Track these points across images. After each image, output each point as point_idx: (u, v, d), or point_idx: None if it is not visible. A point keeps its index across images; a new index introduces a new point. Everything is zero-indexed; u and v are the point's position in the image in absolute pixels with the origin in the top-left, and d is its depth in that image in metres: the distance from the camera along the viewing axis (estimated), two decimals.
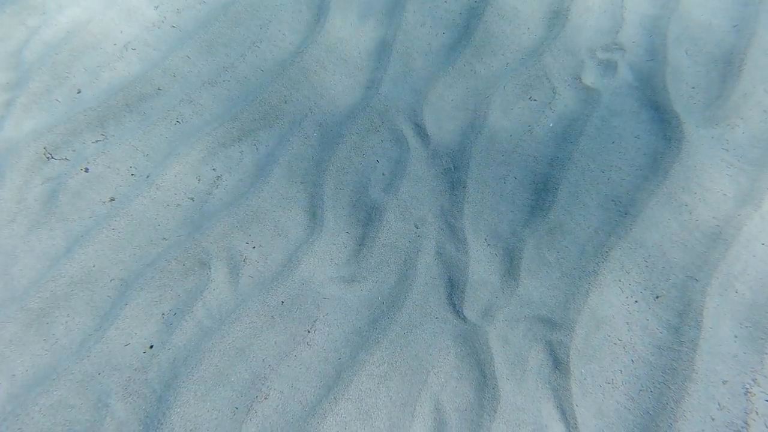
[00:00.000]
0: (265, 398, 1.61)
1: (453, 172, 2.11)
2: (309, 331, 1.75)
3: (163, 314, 1.71)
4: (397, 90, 2.29)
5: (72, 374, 1.58)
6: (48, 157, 1.95)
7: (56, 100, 2.11)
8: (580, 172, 2.14)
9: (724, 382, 1.73)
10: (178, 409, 1.55)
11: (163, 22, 2.36)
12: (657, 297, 1.87)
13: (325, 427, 1.58)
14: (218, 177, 2.01)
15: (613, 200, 2.09)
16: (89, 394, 1.57)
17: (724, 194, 2.12)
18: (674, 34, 2.56)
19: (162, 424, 1.53)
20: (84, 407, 1.55)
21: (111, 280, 1.75)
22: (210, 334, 1.67)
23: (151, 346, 1.65)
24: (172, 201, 1.92)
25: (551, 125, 2.27)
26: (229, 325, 1.69)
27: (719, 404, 1.70)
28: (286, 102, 2.21)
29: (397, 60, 2.37)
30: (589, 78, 2.42)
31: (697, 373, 1.73)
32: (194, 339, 1.67)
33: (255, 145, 2.11)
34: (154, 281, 1.74)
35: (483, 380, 1.71)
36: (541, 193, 2.09)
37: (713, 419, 1.66)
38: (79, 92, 2.14)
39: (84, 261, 1.75)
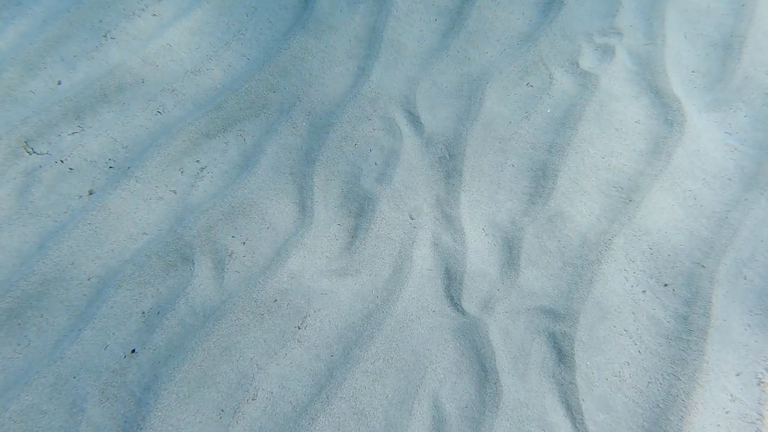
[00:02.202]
0: (253, 399, 1.51)
1: (448, 160, 2.03)
2: (299, 328, 1.65)
3: (143, 313, 1.61)
4: (388, 77, 2.20)
5: (45, 378, 1.48)
6: (30, 152, 1.85)
7: (31, 91, 2.01)
8: (579, 159, 2.06)
9: (738, 374, 1.64)
10: (159, 413, 1.45)
11: (143, 10, 2.26)
12: (665, 285, 1.78)
13: (317, 428, 1.48)
14: (202, 169, 1.91)
15: (614, 186, 2.01)
16: (63, 398, 1.47)
17: (729, 179, 2.05)
18: (672, 18, 2.49)
19: (142, 429, 1.43)
20: (58, 412, 1.45)
21: (88, 278, 1.65)
22: (193, 333, 1.57)
23: (133, 351, 1.54)
24: (153, 194, 1.82)
25: (549, 111, 2.19)
26: (213, 323, 1.59)
27: (731, 395, 1.62)
28: (273, 91, 2.12)
29: (388, 47, 2.29)
30: (587, 63, 2.34)
31: (707, 364, 1.65)
32: (176, 338, 1.57)
33: (241, 135, 2.01)
34: (134, 278, 1.64)
35: (484, 375, 1.62)
36: (540, 180, 2.00)
37: (727, 412, 1.58)
38: (59, 83, 2.04)
39: (58, 258, 1.64)
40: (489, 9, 2.45)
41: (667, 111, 2.19)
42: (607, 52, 2.37)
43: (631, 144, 2.12)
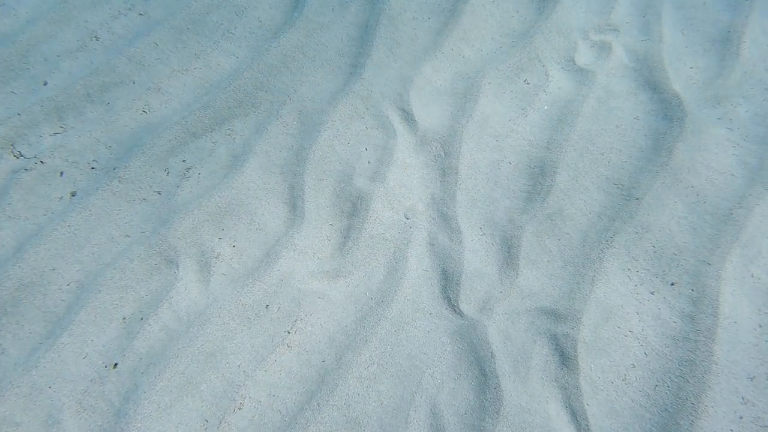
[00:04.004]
0: (239, 408, 1.43)
1: (444, 158, 1.97)
2: (289, 332, 1.57)
3: (124, 318, 1.53)
4: (381, 75, 2.15)
5: (19, 387, 1.40)
6: (17, 156, 1.78)
7: (12, 92, 1.94)
8: (578, 155, 2.00)
9: (752, 378, 1.57)
10: (139, 424, 1.36)
11: (129, 10, 2.21)
12: (672, 284, 1.71)
13: None
14: (188, 169, 1.84)
15: (615, 183, 1.95)
16: (38, 409, 1.38)
17: (732, 174, 1.99)
18: (668, 14, 2.46)
19: None
20: (32, 424, 1.36)
21: (67, 284, 1.57)
22: (176, 339, 1.49)
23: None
24: (137, 195, 1.75)
25: (546, 108, 2.14)
26: (198, 328, 1.51)
27: (743, 398, 1.54)
28: (263, 89, 2.06)
29: (381, 45, 2.24)
30: (583, 59, 2.30)
31: (717, 365, 1.58)
32: (158, 344, 1.49)
33: (229, 134, 1.95)
34: (114, 282, 1.56)
35: (483, 380, 1.54)
36: (539, 177, 1.94)
37: (741, 417, 1.50)
38: (45, 84, 1.98)
39: (35, 262, 1.57)
40: (483, 7, 2.41)
41: (666, 107, 2.14)
42: (603, 48, 2.33)
43: (630, 140, 2.06)
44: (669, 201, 1.92)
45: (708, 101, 2.20)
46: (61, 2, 2.17)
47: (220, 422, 1.41)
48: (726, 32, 2.40)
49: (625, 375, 1.59)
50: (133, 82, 2.01)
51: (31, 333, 1.49)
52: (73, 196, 1.74)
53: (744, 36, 2.37)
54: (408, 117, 2.06)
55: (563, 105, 2.14)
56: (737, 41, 2.35)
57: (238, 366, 1.50)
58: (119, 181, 1.75)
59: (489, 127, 2.07)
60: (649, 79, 2.24)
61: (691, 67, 2.31)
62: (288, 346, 1.55)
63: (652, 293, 1.72)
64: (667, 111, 2.13)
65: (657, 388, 1.57)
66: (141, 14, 2.20)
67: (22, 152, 1.80)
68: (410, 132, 2.03)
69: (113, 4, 2.20)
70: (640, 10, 2.46)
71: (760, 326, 1.65)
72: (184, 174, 1.83)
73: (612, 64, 2.29)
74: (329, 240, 1.77)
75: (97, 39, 2.11)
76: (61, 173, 1.77)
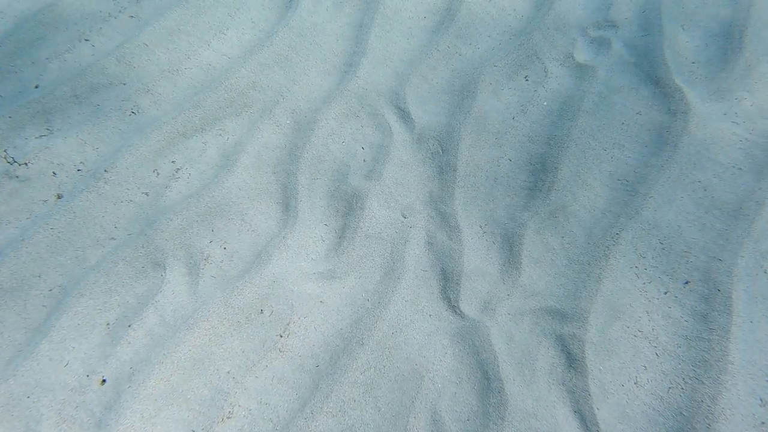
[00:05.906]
0: (229, 417, 1.35)
1: (441, 155, 1.91)
2: (281, 336, 1.50)
3: (107, 324, 1.45)
4: (377, 74, 2.11)
5: None
6: (10, 162, 1.73)
7: None
8: (580, 151, 1.94)
9: None
10: None
11: (120, 12, 2.17)
12: (686, 282, 1.64)
13: None
14: (177, 169, 1.79)
15: (619, 179, 1.89)
16: (15, 421, 1.30)
17: (740, 168, 1.93)
18: (668, 10, 2.41)
19: None
20: None
21: (49, 289, 1.51)
22: (162, 344, 1.42)
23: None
24: (124, 196, 1.69)
25: (546, 104, 2.09)
26: (185, 332, 1.44)
27: (762, 399, 1.46)
28: (255, 89, 2.02)
29: (376, 44, 2.20)
30: (583, 56, 2.25)
31: (733, 365, 1.49)
32: (143, 350, 1.41)
33: (220, 134, 1.90)
34: (98, 286, 1.49)
35: (486, 384, 1.46)
36: (540, 174, 1.88)
37: (763, 423, 1.41)
38: (36, 87, 1.93)
39: (16, 266, 1.50)
40: (479, 5, 2.38)
41: (669, 101, 2.09)
42: (602, 44, 2.28)
43: (633, 135, 2.01)
44: (676, 196, 1.85)
45: (712, 95, 2.15)
46: (51, 5, 2.14)
47: None
48: (727, 27, 2.35)
49: (636, 377, 1.51)
50: (123, 84, 1.97)
51: (10, 340, 1.42)
52: (59, 198, 1.68)
53: (746, 30, 2.32)
54: (404, 115, 2.01)
55: (563, 101, 2.09)
56: (739, 35, 2.30)
57: (228, 372, 1.42)
58: (105, 183, 1.69)
59: (488, 124, 2.01)
60: (651, 74, 2.19)
61: (693, 62, 2.26)
62: (280, 351, 1.47)
63: (665, 293, 1.64)
64: (670, 105, 2.07)
65: (670, 390, 1.48)
66: (132, 16, 2.17)
67: (15, 157, 1.75)
68: (407, 130, 1.98)
69: (103, 7, 2.17)
70: (639, 6, 2.42)
71: None
72: (173, 175, 1.77)
73: (612, 60, 2.24)
74: (324, 240, 1.70)
75: (87, 41, 2.07)
76: (54, 173, 1.71)
